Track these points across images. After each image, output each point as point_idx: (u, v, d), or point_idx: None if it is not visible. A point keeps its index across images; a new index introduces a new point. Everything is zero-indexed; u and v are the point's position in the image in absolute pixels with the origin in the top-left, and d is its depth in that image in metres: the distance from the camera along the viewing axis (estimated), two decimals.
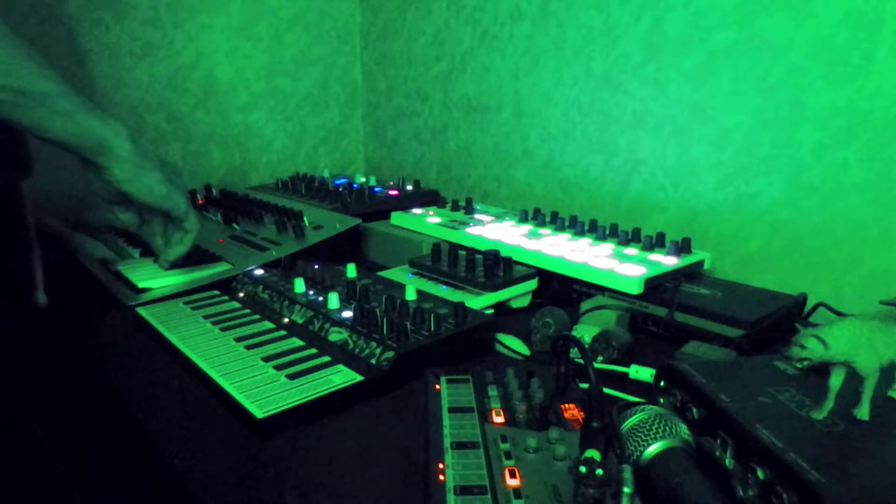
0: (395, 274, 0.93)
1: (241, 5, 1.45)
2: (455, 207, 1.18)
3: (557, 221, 1.05)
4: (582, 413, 0.51)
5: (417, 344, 0.64)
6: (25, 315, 0.85)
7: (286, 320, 0.75)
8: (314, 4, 1.56)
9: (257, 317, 0.76)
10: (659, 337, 0.77)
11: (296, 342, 0.68)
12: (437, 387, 0.57)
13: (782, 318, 0.75)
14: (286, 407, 0.54)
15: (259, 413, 0.53)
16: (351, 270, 0.87)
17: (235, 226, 1.11)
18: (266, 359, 0.64)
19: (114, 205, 0.78)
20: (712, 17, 0.93)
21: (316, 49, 1.60)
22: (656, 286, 0.81)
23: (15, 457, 0.80)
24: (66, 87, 0.64)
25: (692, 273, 0.88)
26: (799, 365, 0.45)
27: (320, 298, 0.78)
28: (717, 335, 0.72)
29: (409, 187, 1.32)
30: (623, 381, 0.64)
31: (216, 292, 0.86)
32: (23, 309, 0.82)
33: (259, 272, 0.89)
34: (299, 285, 0.81)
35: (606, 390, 0.61)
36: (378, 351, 0.63)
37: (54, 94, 0.62)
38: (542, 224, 1.06)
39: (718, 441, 0.48)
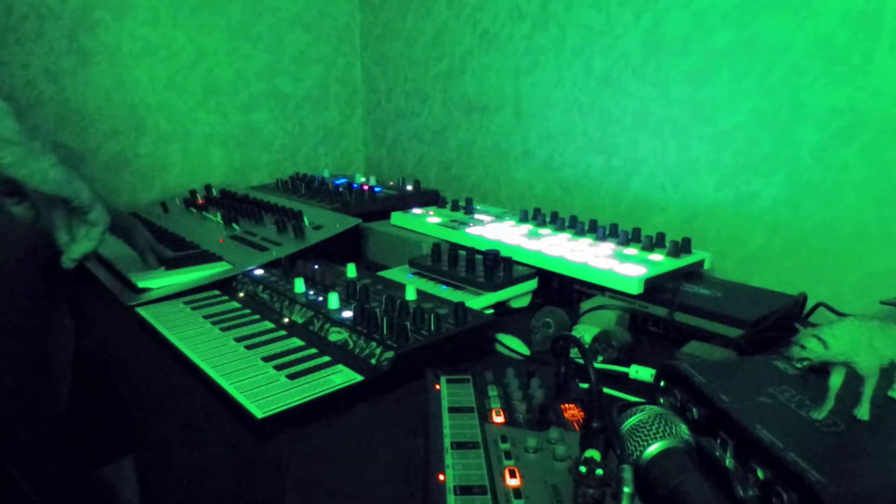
0: (395, 274, 0.93)
1: (241, 5, 1.45)
2: (455, 207, 1.18)
3: (557, 221, 1.05)
4: (582, 413, 0.51)
5: (417, 344, 0.64)
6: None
7: (286, 320, 0.75)
8: (314, 4, 1.57)
9: (257, 317, 0.76)
10: (659, 337, 0.77)
11: (296, 342, 0.68)
12: (437, 387, 0.57)
13: (782, 318, 0.75)
14: (286, 407, 0.54)
15: (259, 413, 0.53)
16: (351, 270, 0.87)
17: (235, 226, 1.11)
18: (266, 359, 0.64)
19: (3, 196, 0.68)
20: (712, 17, 0.93)
21: (316, 49, 1.60)
22: (656, 286, 0.81)
23: None
24: None
25: (692, 273, 0.88)
26: (799, 365, 0.45)
27: (320, 298, 0.77)
28: (717, 335, 0.72)
29: (409, 187, 1.32)
30: (623, 381, 0.64)
31: (216, 292, 0.86)
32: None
33: (259, 272, 0.89)
34: (299, 285, 0.81)
35: (606, 390, 0.61)
36: (378, 351, 0.63)
37: None
38: (542, 224, 1.06)
39: (718, 441, 0.48)
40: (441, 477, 0.43)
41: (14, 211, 0.69)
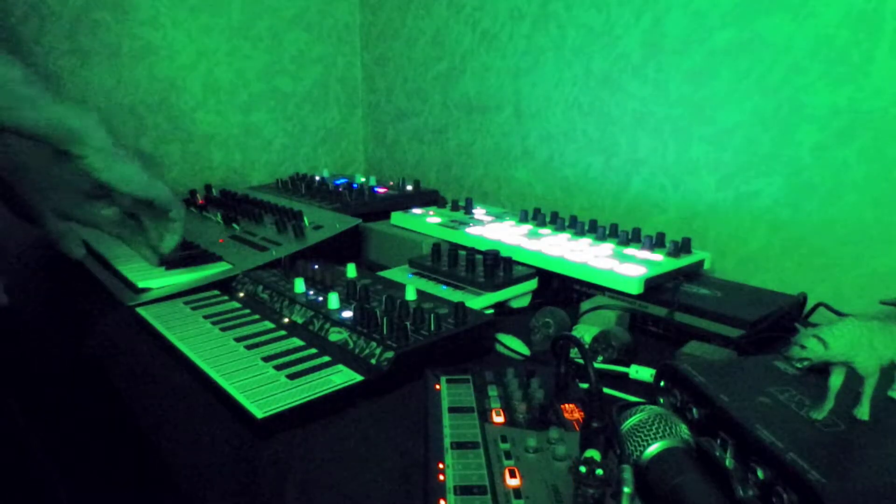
0: (395, 274, 0.93)
1: (241, 5, 1.45)
2: (455, 207, 1.18)
3: (557, 221, 1.05)
4: (582, 413, 0.51)
5: (417, 344, 0.64)
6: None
7: (286, 320, 0.75)
8: (314, 4, 1.57)
9: (257, 317, 0.76)
10: (659, 337, 0.77)
11: (296, 342, 0.68)
12: (437, 387, 0.57)
13: (782, 318, 0.75)
14: (286, 407, 0.54)
15: (259, 413, 0.53)
16: (351, 270, 0.87)
17: (235, 226, 1.11)
18: (266, 359, 0.64)
19: (94, 199, 0.75)
20: (712, 17, 0.93)
21: (316, 49, 1.60)
22: (656, 286, 0.81)
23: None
24: (29, 74, 0.61)
25: (692, 273, 0.88)
26: (799, 365, 0.45)
27: (320, 298, 0.77)
28: (717, 335, 0.72)
29: (409, 187, 1.32)
30: (623, 381, 0.64)
31: (216, 292, 0.86)
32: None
33: (259, 272, 0.89)
34: (299, 285, 0.81)
35: (606, 390, 0.61)
36: (378, 351, 0.63)
37: (17, 80, 0.60)
38: (542, 224, 1.06)
39: (718, 441, 0.48)
40: (441, 477, 0.43)
41: (104, 214, 0.78)
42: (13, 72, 0.60)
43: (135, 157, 0.70)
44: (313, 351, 0.66)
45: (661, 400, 0.57)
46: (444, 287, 0.87)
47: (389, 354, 0.62)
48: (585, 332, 0.70)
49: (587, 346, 0.67)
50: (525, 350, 0.71)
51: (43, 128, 0.62)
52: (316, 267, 0.88)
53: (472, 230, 1.02)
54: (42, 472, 0.85)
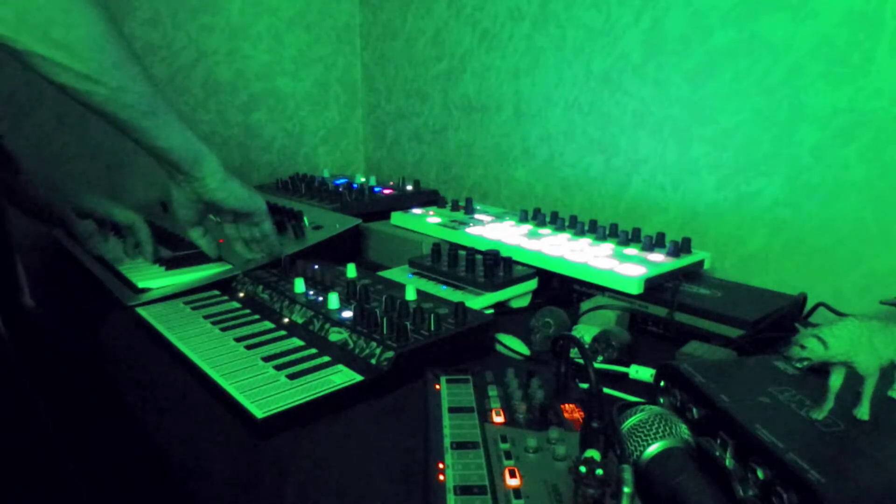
0: (395, 274, 0.93)
1: (241, 5, 1.45)
2: (455, 207, 1.18)
3: (557, 221, 1.05)
4: (582, 413, 0.51)
5: (417, 344, 0.64)
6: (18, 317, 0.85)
7: (286, 320, 0.75)
8: (314, 4, 1.57)
9: (257, 317, 0.76)
10: (659, 337, 0.77)
11: (296, 342, 0.68)
12: (437, 387, 0.57)
13: (782, 318, 0.75)
14: (286, 407, 0.54)
15: (259, 413, 0.53)
16: (351, 270, 0.87)
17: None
18: (266, 359, 0.64)
19: (192, 227, 0.84)
20: (712, 17, 0.93)
21: (316, 49, 1.60)
22: (656, 286, 0.81)
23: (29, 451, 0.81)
24: (165, 100, 0.69)
25: (692, 273, 0.88)
26: (799, 365, 0.45)
27: (320, 298, 0.77)
28: (717, 335, 0.72)
29: (409, 187, 1.32)
30: (623, 381, 0.64)
31: (216, 292, 0.86)
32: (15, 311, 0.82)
33: (259, 272, 0.89)
34: (299, 285, 0.80)
35: (606, 390, 0.61)
36: (378, 351, 0.63)
37: (165, 105, 0.68)
38: (542, 224, 1.06)
39: (718, 441, 0.48)
40: (441, 477, 0.43)
41: (200, 242, 0.86)
42: (161, 99, 0.67)
43: (236, 177, 0.80)
44: (313, 351, 0.66)
45: (661, 400, 0.57)
46: (444, 287, 0.87)
47: (389, 354, 0.62)
48: (585, 332, 0.70)
49: (587, 346, 0.67)
50: (525, 350, 0.71)
51: (180, 149, 0.71)
52: (316, 267, 0.88)
53: (472, 230, 1.02)
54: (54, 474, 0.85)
